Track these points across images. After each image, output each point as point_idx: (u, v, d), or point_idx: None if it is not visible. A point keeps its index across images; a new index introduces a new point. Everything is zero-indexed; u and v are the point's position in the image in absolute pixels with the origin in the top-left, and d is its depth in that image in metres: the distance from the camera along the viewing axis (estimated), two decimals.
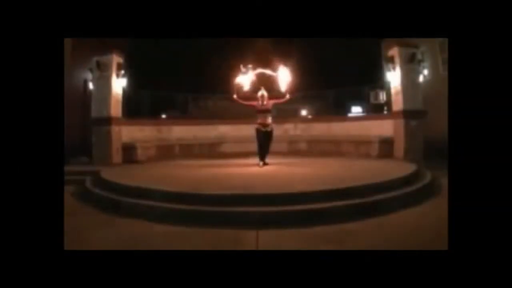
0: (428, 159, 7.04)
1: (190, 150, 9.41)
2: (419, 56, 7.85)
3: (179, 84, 11.09)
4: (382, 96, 10.94)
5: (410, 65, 7.75)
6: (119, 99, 8.25)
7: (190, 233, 3.31)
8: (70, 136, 6.85)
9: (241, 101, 6.77)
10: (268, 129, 6.64)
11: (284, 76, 6.64)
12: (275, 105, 6.76)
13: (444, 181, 4.91)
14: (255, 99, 6.68)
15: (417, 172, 5.38)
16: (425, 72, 8.29)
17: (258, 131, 6.65)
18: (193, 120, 10.27)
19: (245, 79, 6.78)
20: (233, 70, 6.83)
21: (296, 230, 3.30)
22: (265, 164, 6.66)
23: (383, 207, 3.91)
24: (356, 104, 13.07)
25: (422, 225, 3.45)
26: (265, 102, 6.59)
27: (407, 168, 5.51)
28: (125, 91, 8.41)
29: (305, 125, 10.33)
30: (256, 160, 6.84)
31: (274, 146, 7.19)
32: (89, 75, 8.23)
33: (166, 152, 9.09)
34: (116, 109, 8.09)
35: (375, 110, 11.00)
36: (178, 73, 11.59)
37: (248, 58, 7.24)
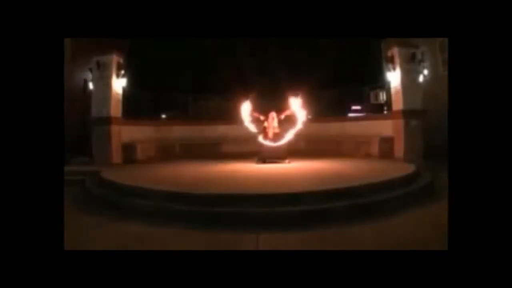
0: (428, 159, 7.03)
1: (190, 150, 9.39)
2: (419, 56, 7.84)
3: (179, 84, 11.05)
4: (382, 96, 10.90)
5: (410, 65, 7.74)
6: (119, 99, 8.23)
7: (190, 233, 3.31)
8: (70, 136, 6.86)
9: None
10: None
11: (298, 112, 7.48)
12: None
13: (444, 181, 4.91)
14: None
15: (417, 172, 5.38)
16: (425, 72, 8.29)
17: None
18: (193, 120, 10.23)
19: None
20: (234, 70, 6.97)
21: (296, 230, 3.30)
22: (261, 162, 7.23)
23: (383, 207, 3.92)
24: (356, 104, 13.04)
25: (422, 225, 3.46)
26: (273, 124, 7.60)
27: (407, 168, 5.51)
28: (125, 91, 8.40)
29: (305, 125, 10.29)
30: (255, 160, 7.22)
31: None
32: (89, 75, 8.22)
33: (166, 152, 9.07)
34: (116, 109, 8.08)
35: (375, 110, 10.96)
36: (178, 73, 11.54)
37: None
